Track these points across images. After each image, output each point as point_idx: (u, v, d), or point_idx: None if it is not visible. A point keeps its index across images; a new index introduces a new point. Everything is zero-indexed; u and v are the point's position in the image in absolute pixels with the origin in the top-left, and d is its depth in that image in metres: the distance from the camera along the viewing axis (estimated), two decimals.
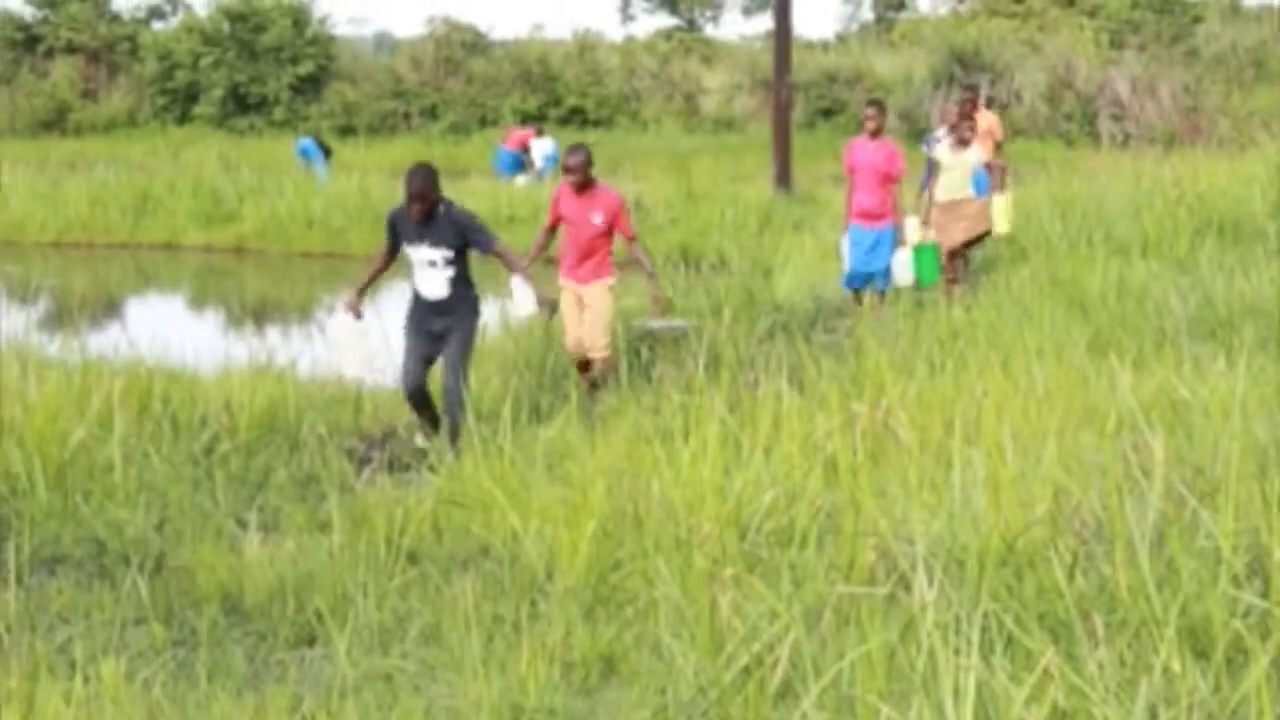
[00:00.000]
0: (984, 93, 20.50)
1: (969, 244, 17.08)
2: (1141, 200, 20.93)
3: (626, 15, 73.53)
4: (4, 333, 13.21)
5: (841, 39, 58.42)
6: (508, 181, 30.95)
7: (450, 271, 11.03)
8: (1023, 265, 17.80)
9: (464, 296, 11.16)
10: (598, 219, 12.43)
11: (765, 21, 67.88)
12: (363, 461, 10.38)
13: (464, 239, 10.99)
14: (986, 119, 19.45)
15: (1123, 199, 21.31)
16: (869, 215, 15.22)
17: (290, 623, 7.53)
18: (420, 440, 11.01)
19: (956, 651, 5.58)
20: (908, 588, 6.32)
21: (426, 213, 10.92)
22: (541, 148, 33.57)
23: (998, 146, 19.19)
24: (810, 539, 7.41)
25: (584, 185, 12.43)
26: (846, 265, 15.57)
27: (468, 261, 11.16)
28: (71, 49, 48.23)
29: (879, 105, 15.62)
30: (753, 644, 6.16)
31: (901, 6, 65.82)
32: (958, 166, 16.77)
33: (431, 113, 45.59)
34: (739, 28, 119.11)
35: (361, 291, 11.50)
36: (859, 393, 10.12)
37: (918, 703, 5.53)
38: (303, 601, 7.64)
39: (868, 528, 7.28)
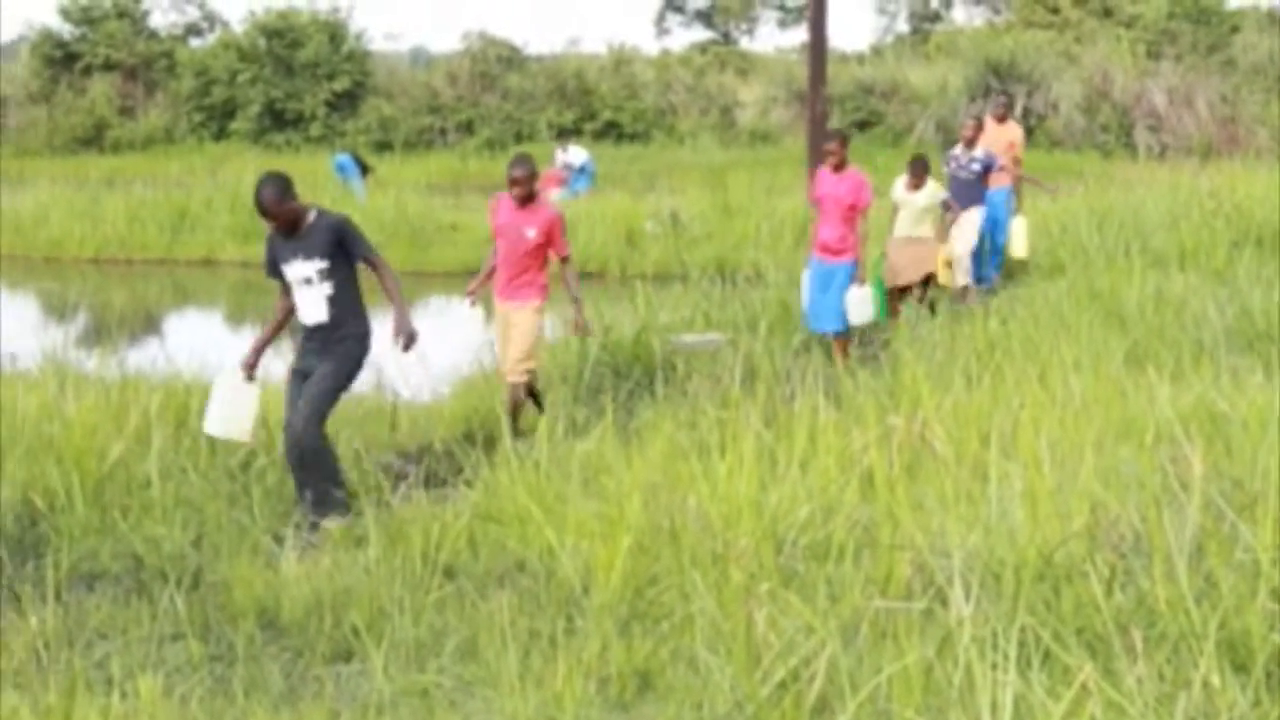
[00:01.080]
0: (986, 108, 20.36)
1: (914, 285, 16.41)
2: (1179, 211, 20.88)
3: (662, 29, 73.63)
4: (43, 349, 13.26)
5: (877, 51, 58.33)
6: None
7: (328, 288, 9.71)
8: (1060, 277, 17.75)
9: (347, 324, 9.80)
10: (532, 233, 11.88)
11: (800, 34, 67.84)
12: (399, 477, 10.38)
13: (339, 245, 9.69)
14: (1010, 132, 19.41)
15: (1160, 210, 21.26)
16: (829, 249, 14.57)
17: (327, 638, 7.53)
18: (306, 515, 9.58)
19: (994, 666, 5.56)
20: (944, 602, 6.30)
21: (290, 224, 9.73)
22: (574, 157, 33.50)
23: (1017, 162, 19.14)
24: (846, 553, 7.38)
25: (527, 199, 11.95)
26: (805, 302, 14.94)
27: (353, 282, 9.83)
28: (109, 66, 48.43)
29: (841, 138, 14.88)
30: (789, 659, 6.15)
31: (937, 18, 65.78)
32: (907, 206, 16.34)
33: (467, 128, 45.68)
34: (774, 40, 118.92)
35: (258, 351, 10.28)
36: (895, 406, 10.10)
37: (955, 718, 5.51)
38: (339, 617, 7.65)
39: (904, 541, 7.26)
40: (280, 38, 46.73)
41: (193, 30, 52.45)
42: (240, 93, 46.29)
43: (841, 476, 8.55)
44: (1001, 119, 19.55)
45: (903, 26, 66.99)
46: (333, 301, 9.72)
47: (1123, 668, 5.69)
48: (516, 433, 11.23)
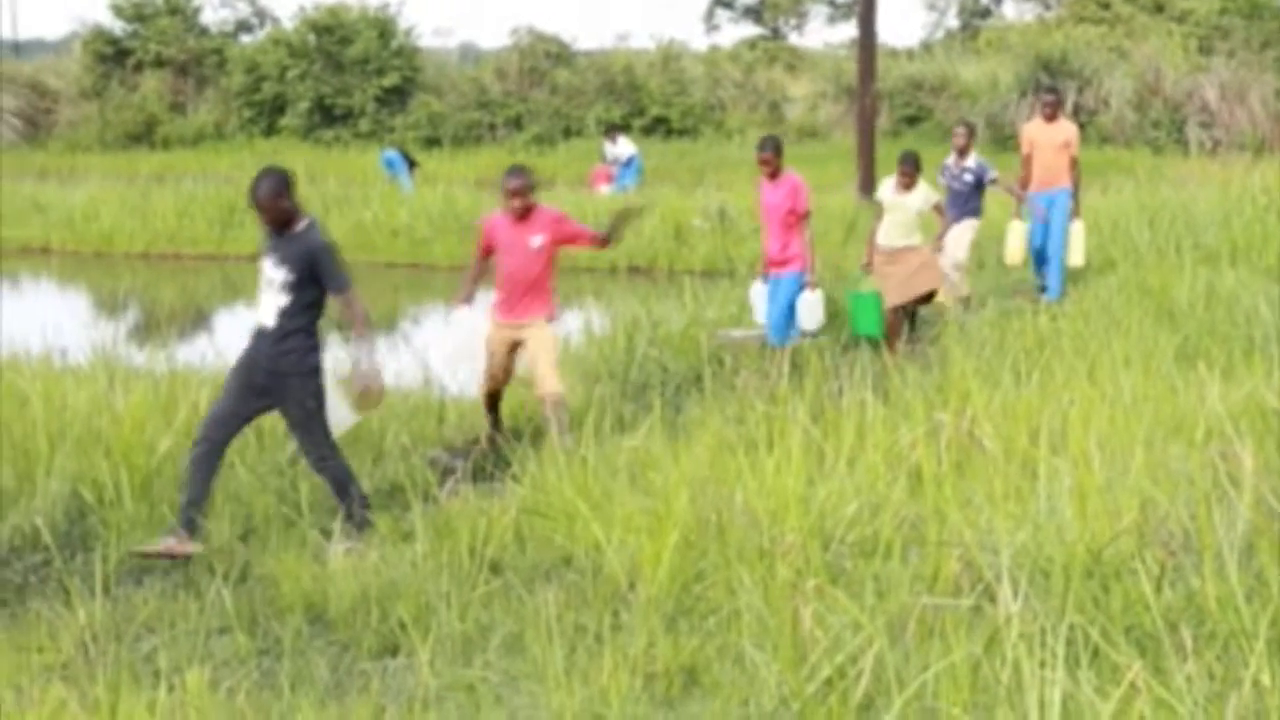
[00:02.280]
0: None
1: (914, 303, 15.20)
2: (1230, 208, 20.75)
3: (711, 25, 73.49)
4: (93, 343, 13.32)
5: (926, 46, 58.10)
6: (591, 192, 30.96)
7: (284, 300, 9.20)
8: (1110, 273, 17.66)
9: (289, 342, 9.24)
10: (538, 240, 11.22)
11: (850, 29, 67.73)
12: (446, 471, 10.38)
13: (310, 267, 9.17)
14: (1063, 130, 18.02)
15: (1211, 206, 21.13)
16: (773, 262, 13.97)
17: (373, 632, 7.55)
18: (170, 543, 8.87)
19: (1042, 664, 5.53)
20: (992, 599, 6.28)
21: (280, 224, 9.29)
22: (622, 150, 33.44)
23: (1074, 163, 17.79)
24: (894, 550, 7.37)
25: (525, 212, 11.26)
26: (759, 317, 14.30)
27: (313, 306, 9.28)
28: (160, 62, 48.59)
29: (774, 146, 14.06)
30: (836, 655, 6.13)
31: (987, 13, 65.50)
32: (898, 210, 14.99)
33: (516, 123, 45.69)
34: (823, 36, 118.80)
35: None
36: (944, 402, 10.07)
37: (1002, 716, 5.49)
38: (386, 611, 7.66)
39: (952, 538, 7.23)
40: (330, 34, 46.81)
41: (243, 27, 52.61)
42: (290, 89, 46.39)
43: (889, 473, 8.53)
44: (1051, 117, 18.12)
45: (953, 22, 66.72)
46: (284, 314, 9.21)
47: (1172, 666, 5.66)
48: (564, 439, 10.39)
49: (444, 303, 23.51)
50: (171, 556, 8.76)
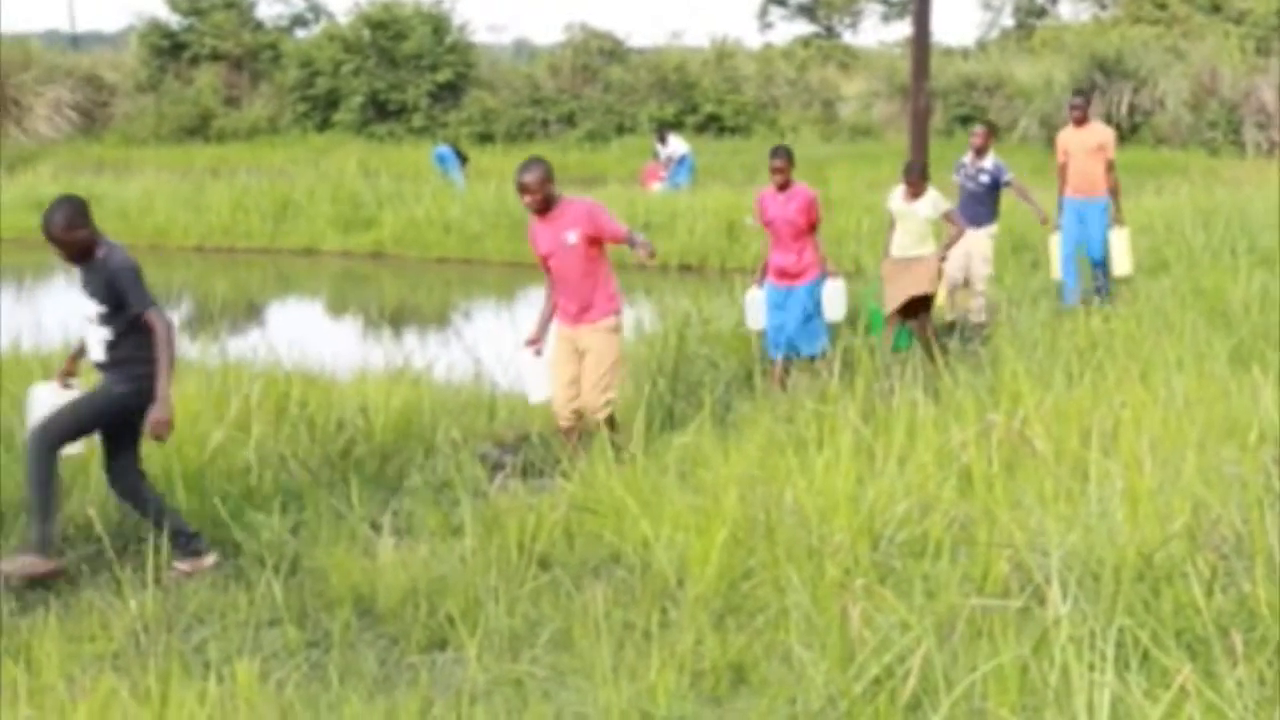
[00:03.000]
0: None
1: (913, 308, 14.50)
2: None
3: (764, 23, 73.41)
4: None
5: (981, 46, 57.95)
6: (643, 190, 30.97)
7: (106, 333, 8.66)
8: (1164, 275, 17.55)
9: (128, 375, 8.66)
10: (572, 237, 10.46)
11: (904, 28, 67.45)
12: (496, 467, 10.40)
13: (116, 293, 8.60)
14: (1095, 134, 17.23)
15: (1267, 208, 20.99)
16: (787, 274, 13.26)
17: (422, 626, 7.57)
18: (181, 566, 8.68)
19: (1091, 667, 5.51)
20: (1042, 601, 6.26)
21: (79, 255, 8.71)
22: (674, 149, 33.43)
23: (1111, 167, 16.98)
24: (943, 550, 7.35)
25: (545, 206, 10.51)
26: (754, 324, 13.68)
27: (136, 331, 8.63)
28: (216, 56, 48.81)
29: (786, 154, 13.31)
30: (884, 655, 6.12)
31: (1042, 13, 65.22)
32: (908, 218, 14.50)
33: (569, 120, 45.74)
34: (877, 34, 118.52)
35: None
36: (995, 403, 10.03)
37: (1050, 718, 5.47)
38: (435, 605, 7.68)
39: (1002, 539, 7.21)
40: (384, 29, 46.93)
41: (298, 21, 52.82)
42: (344, 84, 46.52)
43: (939, 473, 8.50)
44: (1080, 121, 17.29)
45: (1008, 21, 66.46)
46: (111, 347, 8.66)
47: (1223, 670, 5.63)
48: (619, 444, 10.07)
49: (496, 299, 23.66)
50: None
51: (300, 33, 52.09)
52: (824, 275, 13.34)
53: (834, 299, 13.46)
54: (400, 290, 25.03)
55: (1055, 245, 17.25)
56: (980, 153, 16.52)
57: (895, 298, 14.44)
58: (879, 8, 71.35)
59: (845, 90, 48.43)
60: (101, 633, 7.57)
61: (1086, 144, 17.10)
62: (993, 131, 16.32)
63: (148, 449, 8.97)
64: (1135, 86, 40.64)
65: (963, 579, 7.06)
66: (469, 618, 7.41)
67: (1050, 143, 37.82)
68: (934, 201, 14.47)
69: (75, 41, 70.11)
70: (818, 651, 6.46)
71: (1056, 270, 17.23)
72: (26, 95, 45.30)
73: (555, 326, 10.78)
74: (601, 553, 8.42)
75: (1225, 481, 7.70)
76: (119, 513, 9.23)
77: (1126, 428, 8.80)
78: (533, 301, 23.22)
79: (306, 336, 13.74)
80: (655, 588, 7.73)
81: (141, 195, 29.28)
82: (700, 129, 44.38)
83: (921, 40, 28.51)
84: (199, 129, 46.23)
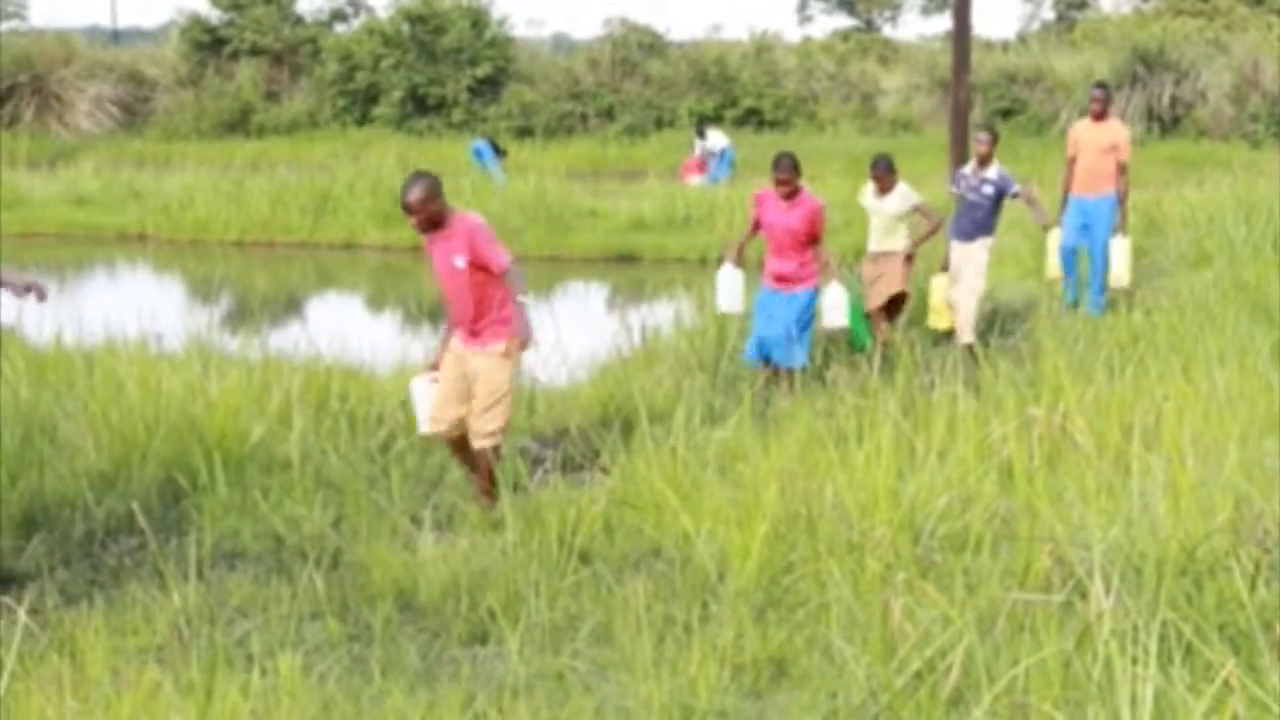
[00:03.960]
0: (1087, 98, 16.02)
1: (890, 307, 14.29)
2: None
3: (804, 16, 73.41)
4: (187, 330, 13.44)
5: (1022, 39, 57.74)
6: (682, 184, 30.97)
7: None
8: (1205, 269, 17.50)
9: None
10: (460, 261, 9.59)
11: (944, 21, 67.38)
12: (536, 461, 10.42)
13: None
14: (1110, 132, 16.47)
15: None
16: (786, 280, 12.76)
17: (463, 620, 7.59)
18: None
19: (1134, 661, 5.49)
20: (1084, 595, 6.23)
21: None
22: (713, 144, 33.40)
23: (1123, 169, 16.16)
24: (984, 544, 7.33)
25: (433, 225, 9.67)
26: (726, 306, 13.46)
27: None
28: (256, 51, 48.90)
29: (791, 164, 12.57)
30: (925, 649, 6.11)
31: (1083, 5, 65.00)
32: (877, 214, 14.29)
33: (608, 114, 45.71)
34: (917, 28, 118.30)
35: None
36: (1036, 397, 10.01)
37: (1093, 712, 5.45)
38: (476, 599, 7.70)
39: (1043, 533, 7.20)
40: (424, 24, 46.96)
41: (338, 16, 52.87)
42: (383, 78, 46.57)
43: (980, 467, 8.49)
44: (1099, 115, 16.53)
45: (1048, 14, 66.31)
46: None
47: (1267, 665, 5.61)
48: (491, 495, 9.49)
49: (534, 293, 23.66)
50: None
51: (340, 27, 52.15)
52: (816, 287, 12.79)
53: (835, 304, 12.92)
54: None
55: (1053, 242, 16.40)
56: (984, 161, 14.82)
57: (874, 299, 14.22)
58: (918, 1, 71.24)
59: (885, 84, 48.26)
60: (145, 626, 7.60)
61: (1100, 141, 16.36)
62: (997, 138, 15.11)
63: (192, 443, 9.00)
64: (1177, 79, 40.45)
65: (1004, 573, 7.05)
66: (510, 611, 7.43)
67: None
68: (903, 195, 14.22)
69: (116, 37, 70.47)
70: (859, 645, 6.46)
71: (1052, 269, 16.52)
72: (68, 91, 45.44)
73: (452, 344, 9.87)
74: (642, 547, 8.43)
75: (1268, 475, 7.68)
76: (161, 506, 9.28)
77: (1168, 422, 8.78)
78: (572, 295, 23.32)
79: (346, 331, 13.77)
80: (696, 581, 7.74)
81: (182, 190, 29.36)
82: (740, 123, 44.31)
83: (962, 33, 28.51)
84: (239, 124, 46.32)
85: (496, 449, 9.67)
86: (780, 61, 48.05)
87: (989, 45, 51.31)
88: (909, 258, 14.32)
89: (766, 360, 12.78)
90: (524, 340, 9.58)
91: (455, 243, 9.60)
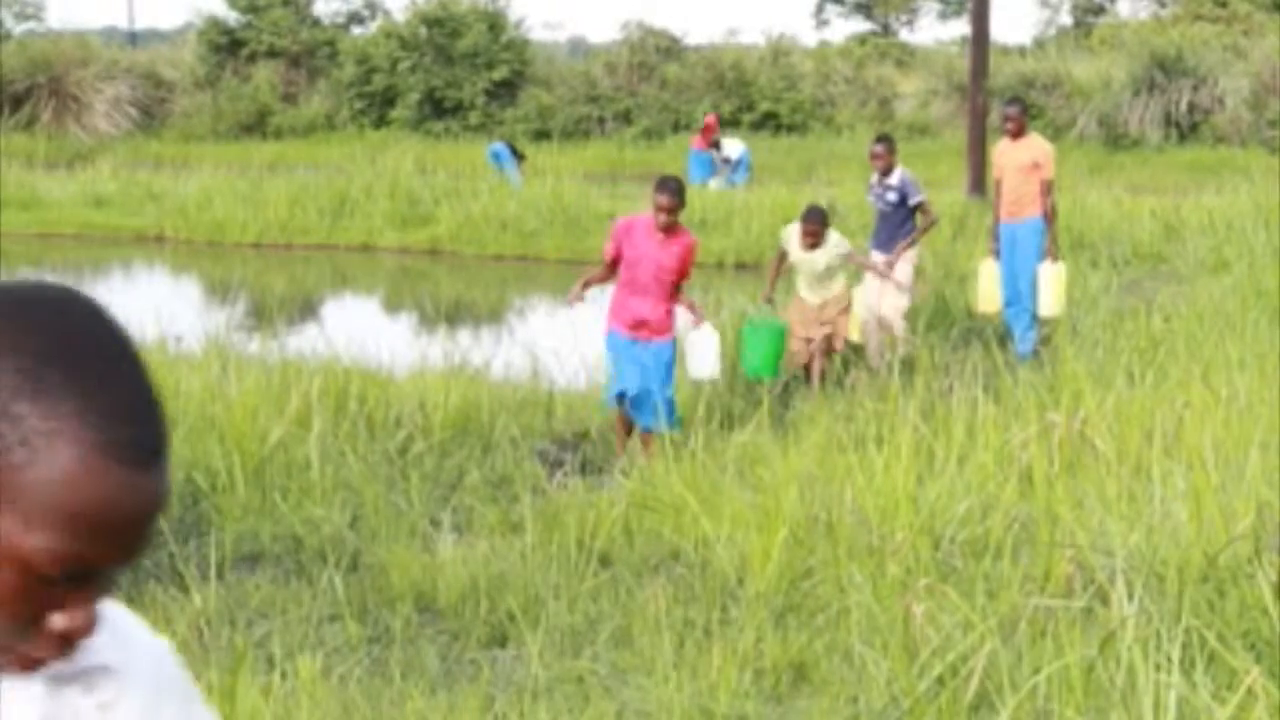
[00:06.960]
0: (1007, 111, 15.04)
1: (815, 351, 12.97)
2: None
3: (821, 20, 73.53)
4: (206, 331, 13.46)
5: (1039, 44, 57.70)
6: (700, 185, 30.94)
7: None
8: (1224, 275, 17.46)
9: None
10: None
11: (961, 26, 67.35)
12: (555, 464, 10.42)
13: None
14: (1029, 150, 14.73)
15: None
16: (645, 327, 10.96)
17: (483, 623, 7.58)
18: None
19: (1157, 667, 5.48)
20: (1105, 601, 6.23)
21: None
22: (730, 150, 33.42)
23: (1048, 188, 14.56)
24: (1005, 549, 7.33)
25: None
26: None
27: None
28: (273, 53, 49.01)
29: (675, 189, 10.86)
30: (946, 654, 6.10)
31: (1101, 10, 64.96)
32: (805, 265, 13.06)
33: (625, 117, 45.74)
34: (934, 32, 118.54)
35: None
36: (1055, 402, 10.00)
37: (1116, 719, 5.44)
38: (495, 602, 7.70)
39: (1064, 539, 7.19)
40: (441, 26, 47.03)
41: (355, 19, 53.01)
42: (400, 81, 46.65)
43: (1000, 472, 8.49)
44: (1015, 134, 14.87)
45: (1066, 19, 66.27)
46: None
47: None
48: None
49: (552, 296, 23.67)
50: None
51: (357, 30, 52.28)
52: (691, 331, 11.56)
53: (702, 352, 11.64)
54: (456, 287, 25.08)
55: (986, 274, 14.96)
56: (886, 172, 14.22)
57: (801, 353, 13.03)
58: (936, 5, 71.31)
59: (902, 88, 48.28)
60: (165, 627, 7.59)
61: (1020, 160, 14.71)
62: (893, 148, 14.33)
63: (211, 444, 9.01)
64: (1195, 85, 40.37)
65: (1025, 579, 7.04)
66: (529, 614, 7.43)
67: (1109, 141, 37.88)
68: (833, 248, 12.97)
69: (133, 38, 70.58)
70: (879, 650, 6.45)
71: (983, 302, 15.08)
72: (86, 92, 45.53)
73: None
74: (661, 550, 8.43)
75: None
76: (180, 507, 9.29)
77: (1189, 428, 8.76)
78: (589, 297, 23.28)
79: (364, 333, 13.78)
80: (715, 585, 7.73)
81: (199, 192, 29.38)
82: (756, 127, 44.33)
83: (979, 38, 28.52)
84: (256, 126, 46.42)
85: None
86: (797, 65, 48.05)
87: (1006, 50, 51.33)
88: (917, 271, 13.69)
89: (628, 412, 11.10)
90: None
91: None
